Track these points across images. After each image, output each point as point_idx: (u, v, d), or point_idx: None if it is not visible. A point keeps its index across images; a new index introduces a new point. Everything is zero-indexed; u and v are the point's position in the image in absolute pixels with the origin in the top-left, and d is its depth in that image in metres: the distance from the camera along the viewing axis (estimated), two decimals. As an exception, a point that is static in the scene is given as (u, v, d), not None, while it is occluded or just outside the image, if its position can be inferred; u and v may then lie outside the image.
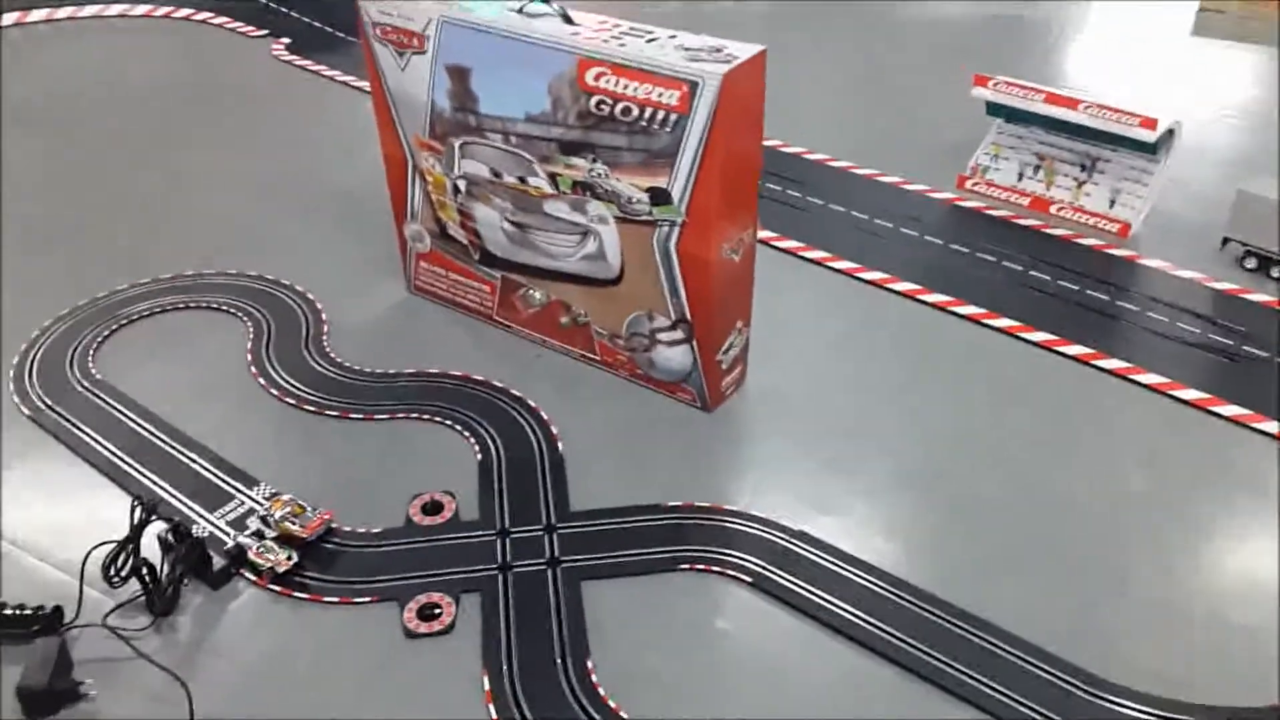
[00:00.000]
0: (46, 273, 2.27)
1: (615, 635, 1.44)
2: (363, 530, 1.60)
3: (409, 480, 1.70)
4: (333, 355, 2.01)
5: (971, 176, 2.69)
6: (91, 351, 2.00)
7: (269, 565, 1.51)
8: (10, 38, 3.62)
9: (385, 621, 1.45)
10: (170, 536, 1.49)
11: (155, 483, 1.68)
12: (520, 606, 1.47)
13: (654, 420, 1.87)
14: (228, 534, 1.58)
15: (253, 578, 1.52)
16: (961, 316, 2.17)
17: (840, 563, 1.56)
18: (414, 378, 1.95)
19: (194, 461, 1.73)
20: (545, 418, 1.85)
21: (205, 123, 3.03)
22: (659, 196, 1.67)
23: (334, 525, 1.59)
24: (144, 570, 1.44)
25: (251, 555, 1.52)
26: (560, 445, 1.79)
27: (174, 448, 1.76)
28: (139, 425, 1.81)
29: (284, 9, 3.90)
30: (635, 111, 1.60)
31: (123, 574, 1.46)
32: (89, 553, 1.46)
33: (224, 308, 2.15)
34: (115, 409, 1.84)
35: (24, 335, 2.03)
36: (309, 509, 1.58)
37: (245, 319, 2.11)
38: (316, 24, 3.78)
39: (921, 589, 1.50)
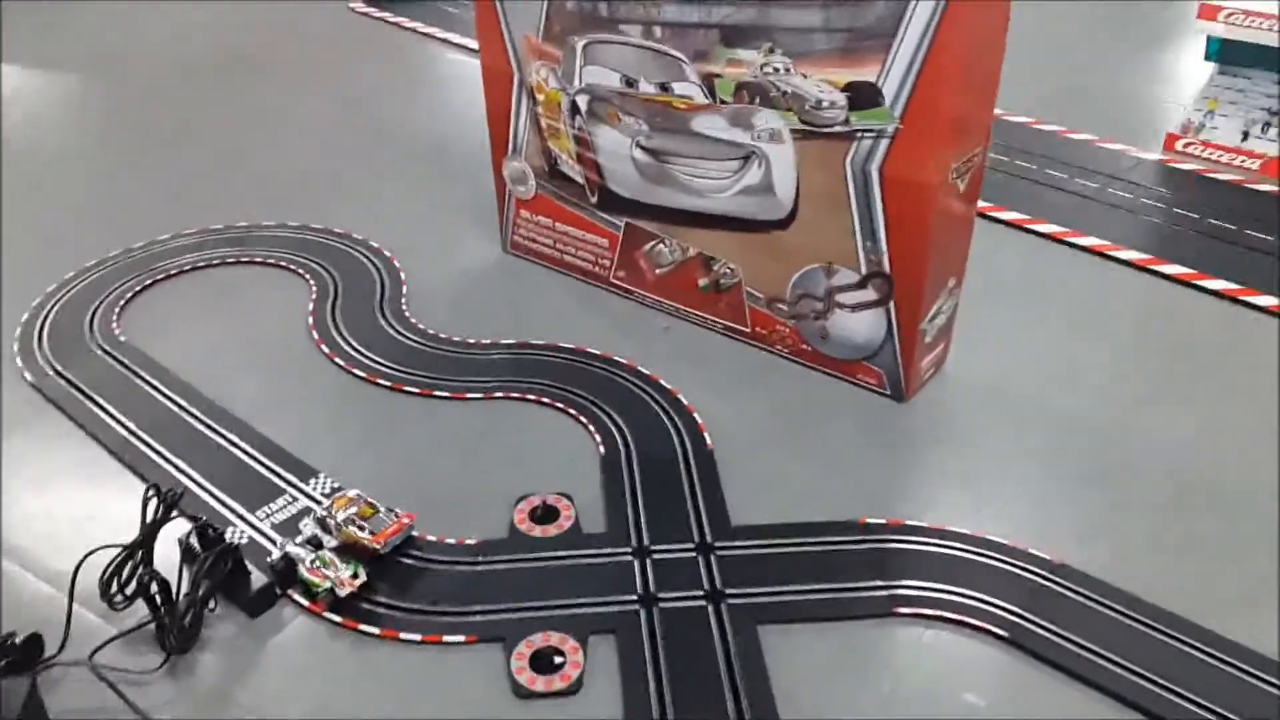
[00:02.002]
0: (77, 219, 1.90)
1: (814, 706, 0.98)
2: (453, 542, 1.18)
3: (512, 477, 1.28)
4: (413, 320, 1.59)
5: (1183, 135, 2.19)
6: (117, 310, 1.61)
7: (327, 585, 1.08)
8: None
9: (487, 671, 1.03)
10: (194, 541, 1.08)
11: (180, 470, 1.28)
12: (673, 657, 1.03)
13: (829, 410, 1.42)
14: (273, 541, 1.16)
15: (304, 602, 1.09)
16: (1209, 292, 1.68)
17: (1124, 609, 1.09)
18: (514, 349, 1.53)
19: (233, 445, 1.32)
20: (685, 404, 1.41)
21: (278, 75, 2.65)
22: (863, 96, 1.22)
23: (415, 533, 1.16)
24: (155, 588, 1.02)
25: (304, 571, 1.10)
26: (708, 439, 1.34)
27: (208, 425, 1.36)
28: (166, 397, 1.41)
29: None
30: (840, -27, 1.16)
31: (127, 592, 1.05)
32: (82, 561, 1.05)
33: (282, 263, 1.75)
34: (139, 376, 1.45)
35: (38, 289, 1.65)
36: (382, 510, 1.15)
37: (307, 276, 1.71)
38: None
39: (1243, 646, 1.03)
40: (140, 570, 1.06)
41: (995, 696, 1.01)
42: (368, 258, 1.78)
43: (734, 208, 1.43)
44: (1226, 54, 2.15)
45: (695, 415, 1.39)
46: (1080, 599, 1.12)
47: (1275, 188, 2.04)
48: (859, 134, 1.25)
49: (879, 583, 1.13)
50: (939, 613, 1.09)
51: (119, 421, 1.36)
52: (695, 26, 1.33)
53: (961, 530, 1.20)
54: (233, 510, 1.22)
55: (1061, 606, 1.11)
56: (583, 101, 1.51)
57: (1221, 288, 1.69)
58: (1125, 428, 1.39)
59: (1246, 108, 2.19)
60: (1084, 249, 1.81)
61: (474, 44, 2.81)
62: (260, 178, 2.08)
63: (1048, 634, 1.07)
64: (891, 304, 1.35)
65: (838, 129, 1.27)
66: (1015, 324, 1.61)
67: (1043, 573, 1.15)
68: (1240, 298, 1.67)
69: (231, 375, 1.46)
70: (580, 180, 1.60)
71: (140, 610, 1.05)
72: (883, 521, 1.21)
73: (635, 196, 1.54)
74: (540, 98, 1.57)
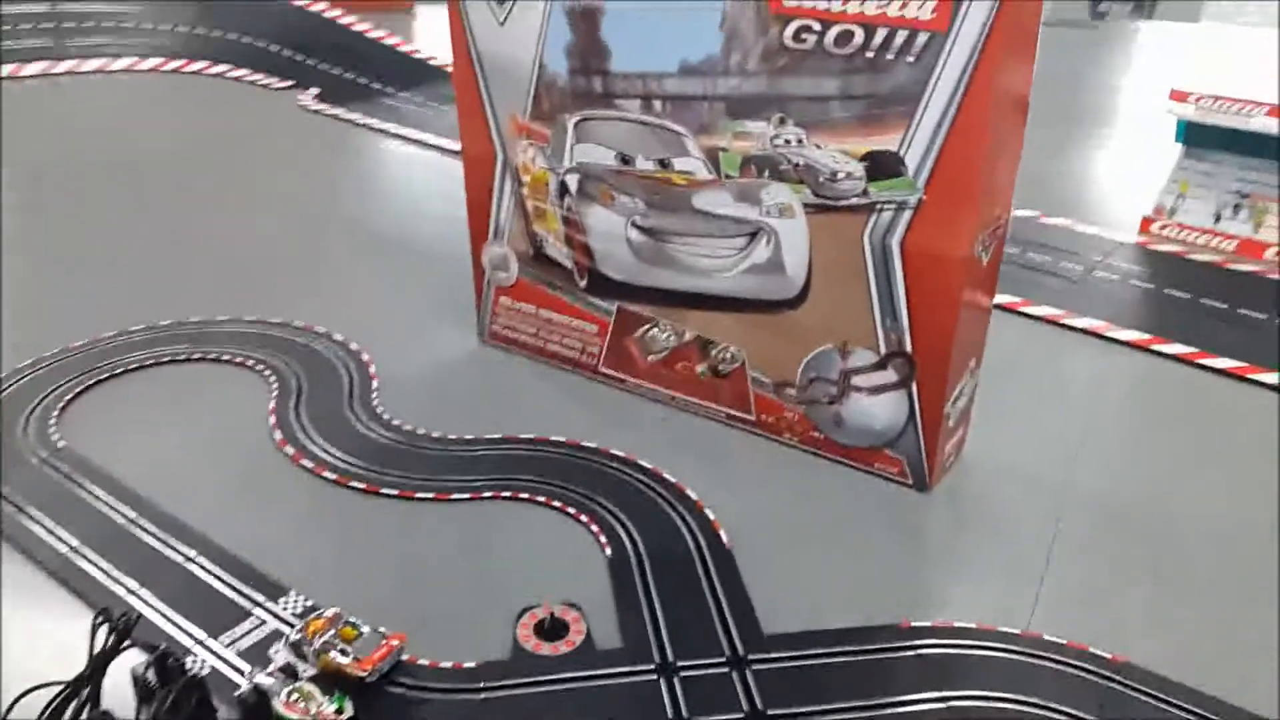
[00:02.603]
0: (10, 315, 1.73)
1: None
2: (449, 665, 1.03)
3: (511, 587, 1.14)
4: (386, 416, 1.46)
5: (1157, 218, 2.20)
6: (55, 413, 1.44)
7: (306, 723, 0.92)
8: (11, 92, 3.18)
9: (501, 823, 0.87)
10: (151, 674, 0.91)
11: (130, 591, 1.11)
12: (718, 793, 0.89)
13: (849, 502, 1.31)
14: (240, 671, 1.00)
15: (279, 745, 0.93)
16: (1213, 370, 1.64)
17: (1195, 707, 0.99)
18: (499, 444, 1.40)
19: (190, 561, 1.16)
20: (694, 498, 1.29)
21: (230, 170, 2.54)
22: (884, 165, 1.16)
23: (405, 657, 1.02)
24: (101, 734, 0.86)
25: (280, 706, 0.94)
26: (724, 536, 1.22)
27: (161, 540, 1.20)
28: (112, 509, 1.24)
29: (309, 60, 3.50)
30: (859, 37, 1.10)
31: (67, 740, 0.88)
32: (14, 703, 0.88)
33: (238, 360, 1.60)
34: (80, 487, 1.28)
35: (-35, 390, 1.48)
36: (366, 630, 1.00)
37: (267, 373, 1.56)
38: (345, 75, 3.38)
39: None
40: (87, 711, 0.89)
41: (1085, 823, 0.89)
42: (332, 352, 1.65)
43: (739, 287, 1.34)
44: (1194, 137, 2.16)
45: (707, 511, 1.27)
46: (1149, 700, 1.01)
47: (1255, 268, 2.03)
48: (879, 206, 1.18)
49: (935, 694, 1.00)
50: (1006, 726, 0.97)
51: (57, 537, 1.19)
52: (699, 99, 1.26)
53: (1013, 631, 1.09)
54: (192, 636, 1.06)
55: (1132, 710, 0.99)
56: (573, 181, 1.43)
57: (1226, 365, 1.64)
58: (1159, 510, 1.31)
59: (1216, 190, 2.20)
60: (1081, 330, 1.76)
61: (422, 136, 2.77)
62: (212, 272, 1.95)
63: (1127, 745, 0.96)
64: (914, 386, 1.26)
65: (855, 201, 1.20)
66: (1026, 407, 1.54)
67: (1106, 673, 1.04)
68: (1246, 375, 1.62)
69: (186, 482, 1.31)
70: (568, 264, 1.51)
71: (84, 762, 0.88)
72: (929, 624, 1.10)
73: (629, 279, 1.45)
74: (526, 178, 1.48)
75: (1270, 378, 1.61)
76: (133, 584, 1.12)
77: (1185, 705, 1.00)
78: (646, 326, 1.49)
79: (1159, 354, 1.69)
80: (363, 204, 2.38)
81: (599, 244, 1.45)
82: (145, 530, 1.21)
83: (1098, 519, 1.29)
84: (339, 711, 0.94)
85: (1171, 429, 1.51)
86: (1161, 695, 1.02)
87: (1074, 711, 0.99)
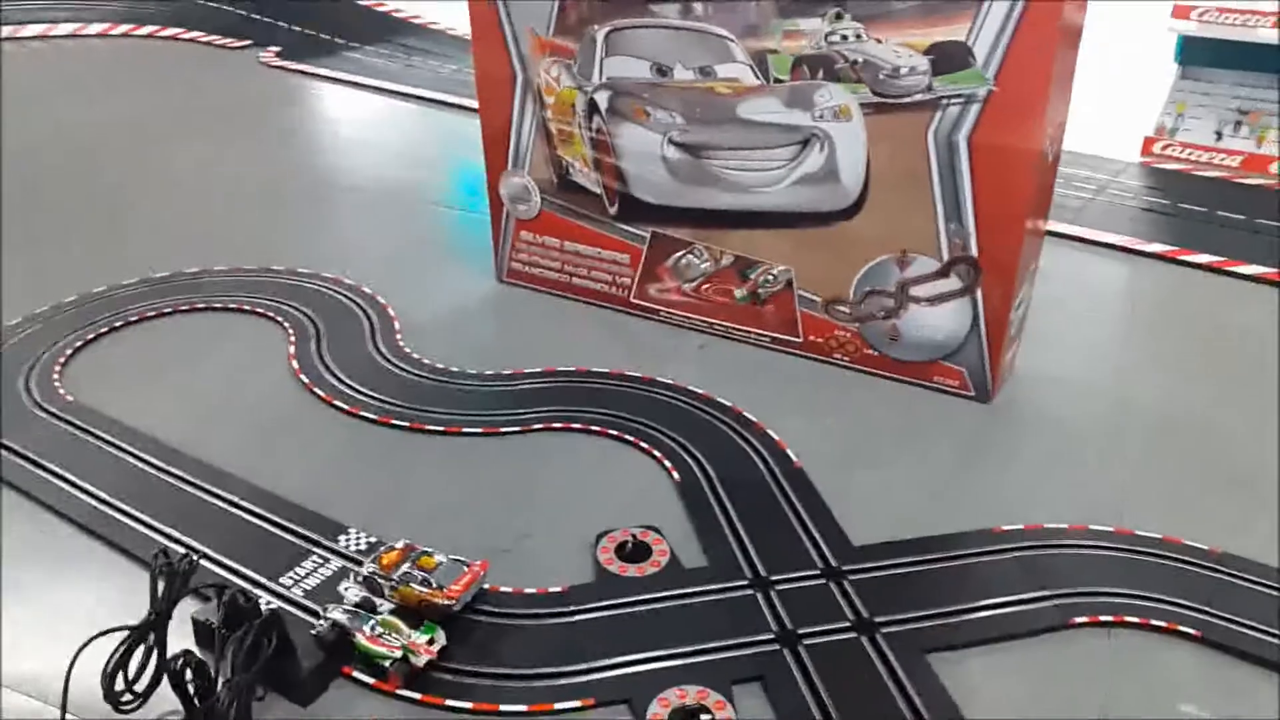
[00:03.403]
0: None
1: (1023, 743, 0.82)
2: (533, 591, 0.97)
3: (580, 514, 1.08)
4: (415, 356, 1.38)
5: (1159, 138, 2.19)
6: (56, 369, 1.34)
7: (397, 655, 0.86)
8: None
9: (620, 745, 0.82)
10: (223, 616, 0.84)
11: (171, 539, 1.03)
12: (840, 702, 0.85)
13: (910, 417, 1.28)
14: (310, 611, 0.93)
15: (370, 679, 0.86)
16: (1244, 276, 1.63)
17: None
18: (541, 378, 1.34)
19: (234, 505, 1.08)
20: (753, 420, 1.24)
21: (202, 130, 2.42)
22: (951, 58, 1.11)
23: (484, 586, 0.95)
24: (185, 672, 0.78)
25: (363, 641, 0.87)
26: (794, 456, 1.17)
27: (197, 486, 1.11)
28: (137, 458, 1.16)
29: (266, 18, 3.35)
30: (926, -82, 1.05)
31: (138, 688, 0.81)
32: (79, 651, 0.80)
33: (245, 307, 1.51)
34: (98, 438, 1.19)
35: (-46, 348, 1.38)
36: (445, 559, 0.94)
37: (279, 319, 1.48)
38: (305, 31, 3.25)
39: None
40: (154, 656, 0.82)
41: (1211, 702, 0.86)
42: (345, 296, 1.56)
43: (789, 201, 1.29)
44: (1192, 54, 2.15)
45: (770, 432, 1.22)
46: (1258, 588, 0.99)
47: (1263, 181, 2.04)
48: (945, 101, 1.13)
49: (1041, 593, 0.97)
50: (1119, 619, 0.94)
51: (85, 491, 1.10)
52: (744, -1, 1.20)
53: (1106, 528, 1.06)
54: (250, 580, 0.98)
55: (1241, 597, 0.97)
56: (603, 98, 1.36)
57: (1256, 271, 1.63)
58: (1218, 414, 1.29)
59: (1215, 109, 2.20)
60: (1106, 245, 1.74)
61: (392, 85, 2.67)
62: (202, 224, 1.85)
63: (1241, 628, 0.93)
64: (978, 292, 1.22)
65: (919, 98, 1.15)
66: (1064, 321, 1.51)
67: (1208, 564, 1.01)
68: (1277, 280, 1.62)
69: (212, 429, 1.22)
70: (597, 190, 1.44)
71: (159, 709, 0.81)
72: (1020, 527, 1.06)
73: (665, 201, 1.39)
74: (550, 100, 1.41)
75: (1295, 277, 1.60)
76: (175, 532, 1.04)
77: (1290, 590, 0.98)
78: (681, 253, 1.43)
79: (1187, 264, 1.68)
80: (344, 155, 2.28)
81: (632, 165, 1.38)
82: (180, 478, 1.13)
83: (1160, 425, 1.27)
84: (431, 642, 0.88)
85: (1212, 334, 1.50)
86: (1267, 582, 0.99)
87: (1180, 599, 0.96)
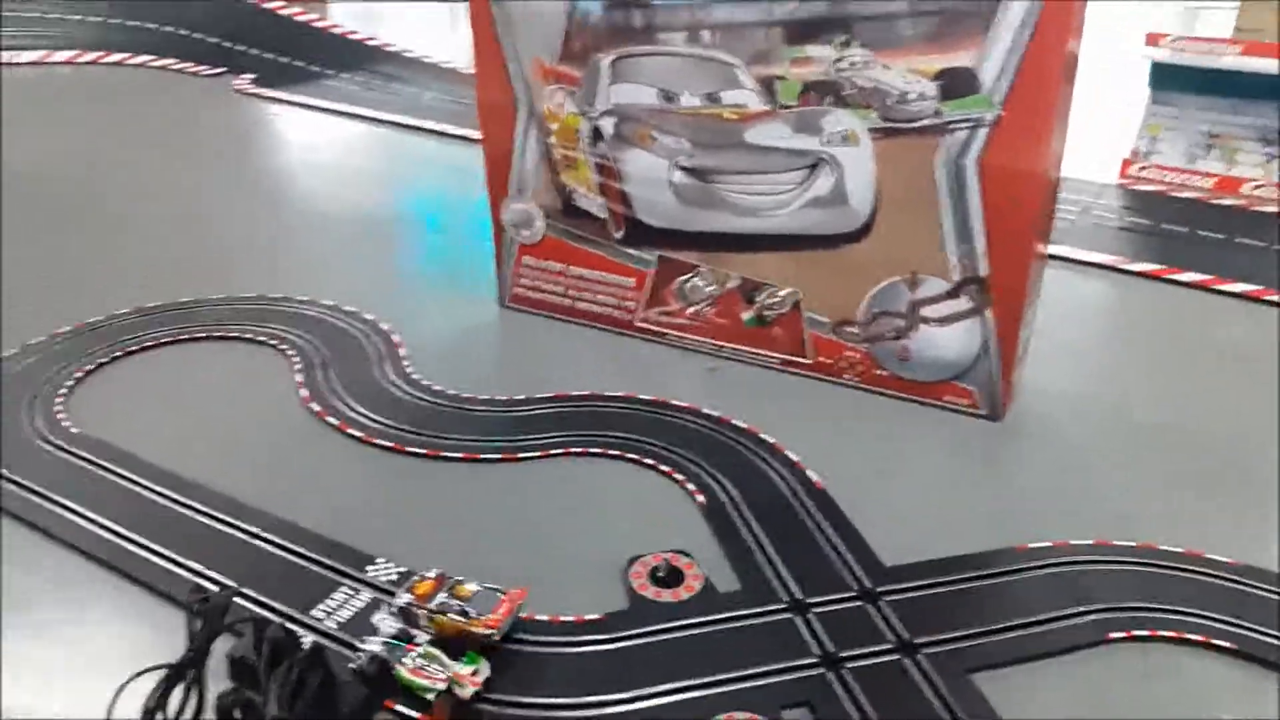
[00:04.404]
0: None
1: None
2: (571, 619, 0.96)
3: (607, 540, 1.08)
4: (425, 382, 1.37)
5: (1135, 161, 2.24)
6: (58, 400, 1.31)
7: (441, 687, 0.85)
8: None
9: (676, 772, 0.81)
10: (264, 652, 0.82)
11: (198, 574, 1.01)
12: (888, 724, 0.85)
13: (925, 436, 1.29)
14: (346, 644, 0.92)
15: (413, 713, 0.85)
16: (1231, 294, 1.67)
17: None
18: (553, 403, 1.33)
19: (256, 537, 1.07)
20: (771, 441, 1.25)
21: (183, 161, 2.39)
22: (958, 83, 1.13)
23: (521, 615, 0.95)
24: (234, 710, 0.77)
25: (405, 673, 0.86)
26: (815, 477, 1.18)
27: (219, 519, 1.09)
28: (154, 491, 1.14)
29: (237, 46, 3.33)
30: (938, -52, 1.07)
31: (179, 728, 0.79)
32: (119, 692, 0.79)
33: (246, 335, 1.50)
34: (110, 472, 1.17)
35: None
36: (479, 588, 0.93)
37: (282, 346, 1.46)
38: (280, 59, 3.23)
39: None
40: (195, 693, 0.80)
41: (1252, 714, 0.88)
42: (347, 323, 1.55)
43: (797, 224, 1.31)
44: (1162, 80, 2.21)
45: (789, 454, 1.22)
46: (1276, 596, 1.01)
47: (1237, 202, 2.09)
48: (952, 126, 1.16)
49: (1075, 609, 0.98)
50: (1154, 633, 0.96)
51: (100, 525, 1.08)
52: (753, 26, 1.21)
53: (1129, 543, 1.08)
54: (280, 613, 0.96)
55: (1267, 609, 0.99)
56: (608, 124, 1.37)
57: (1242, 289, 1.68)
58: (1220, 427, 1.32)
59: (1186, 133, 2.26)
60: (1095, 265, 1.78)
61: (371, 113, 2.66)
62: (191, 253, 1.82)
63: (1272, 639, 0.95)
64: (988, 312, 1.24)
65: (927, 122, 1.17)
66: (1061, 338, 1.53)
67: (1231, 577, 1.03)
68: (1262, 297, 1.66)
69: (226, 459, 1.21)
70: (602, 215, 1.44)
71: (201, 751, 0.79)
72: (1046, 544, 1.08)
73: (671, 225, 1.40)
74: (554, 126, 1.41)
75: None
76: (200, 567, 1.02)
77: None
78: (686, 276, 1.44)
79: (1175, 282, 1.72)
80: (327, 182, 2.26)
81: (638, 190, 1.39)
82: (197, 510, 1.11)
83: (1168, 439, 1.29)
84: (475, 673, 0.87)
85: (1206, 348, 1.53)
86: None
87: (1209, 612, 0.98)
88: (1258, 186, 2.11)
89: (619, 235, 1.44)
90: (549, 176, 1.46)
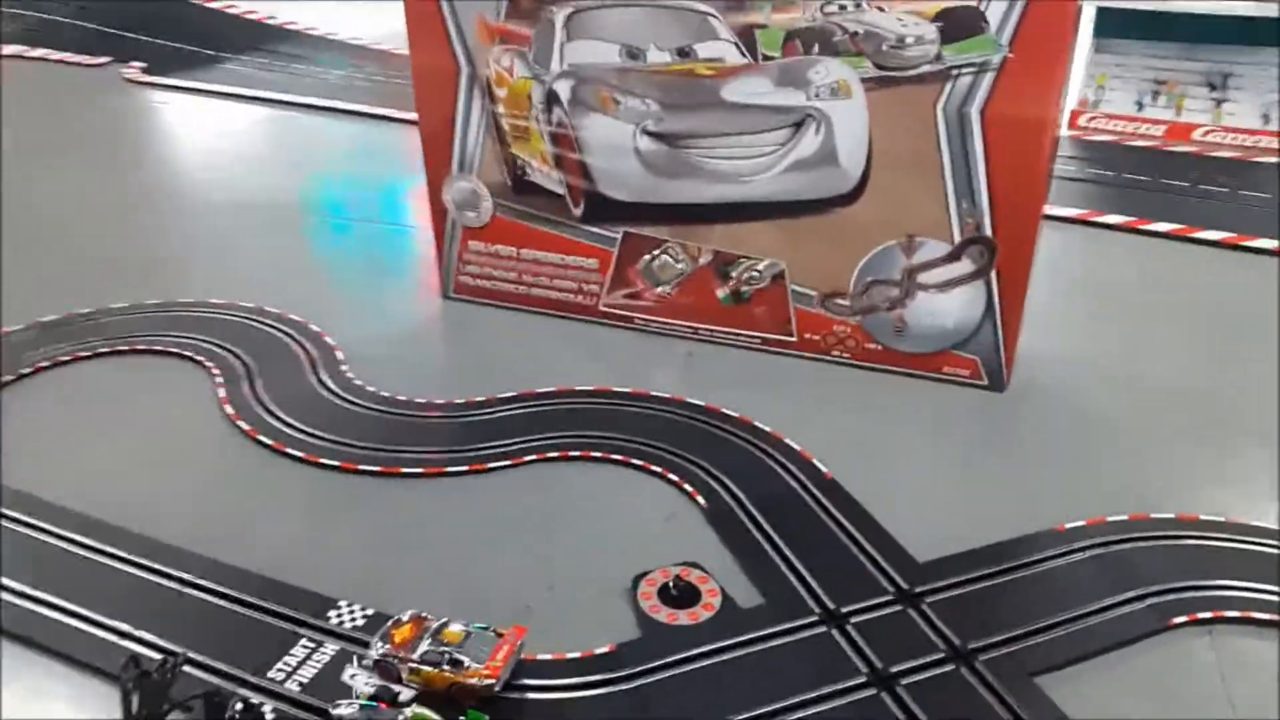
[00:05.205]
0: None
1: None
2: (577, 655, 0.83)
3: (605, 555, 0.95)
4: (369, 389, 1.22)
5: (1084, 111, 2.19)
6: (-60, 435, 1.12)
7: (441, 759, 0.71)
8: None
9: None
10: (221, 734, 0.67)
11: (128, 635, 0.85)
12: (957, 749, 0.74)
13: (929, 413, 1.20)
14: (319, 709, 0.77)
15: (409, 794, 0.71)
16: (1208, 243, 1.62)
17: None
18: (517, 402, 1.19)
19: (194, 587, 0.90)
20: (768, 430, 1.13)
21: (67, 158, 2.15)
22: (961, 24, 1.03)
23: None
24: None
25: (395, 745, 0.72)
26: (822, 467, 1.06)
27: (147, 569, 0.93)
28: (72, 542, 0.96)
29: (121, 32, 3.06)
30: None
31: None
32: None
33: (157, 349, 1.32)
34: (20, 521, 0.99)
35: None
36: (465, 628, 0.79)
37: (199, 357, 1.29)
38: (171, 44, 2.98)
39: None
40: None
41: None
42: (272, 326, 1.38)
43: (780, 189, 1.19)
44: (1105, 26, 2.16)
45: (790, 442, 1.11)
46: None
47: (1190, 149, 2.06)
48: (955, 72, 1.05)
49: (1130, 595, 0.89)
50: (1217, 614, 0.87)
51: (8, 590, 0.90)
52: (726, -32, 1.08)
53: (1168, 515, 0.99)
54: (228, 678, 0.81)
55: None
56: (564, 88, 1.22)
57: (1219, 237, 1.62)
58: (1222, 382, 1.25)
59: (1132, 80, 2.21)
60: (1066, 219, 1.70)
61: (274, 95, 2.46)
62: (89, 259, 1.62)
63: (1339, 614, 0.87)
64: (992, 274, 1.14)
65: (926, 69, 1.06)
66: (1046, 298, 1.43)
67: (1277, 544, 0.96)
68: (1240, 244, 1.61)
69: (152, 497, 1.03)
70: (559, 189, 1.30)
71: None
72: (1082, 524, 0.98)
73: (638, 198, 1.27)
74: (502, 93, 1.27)
75: (1267, 243, 1.60)
76: (125, 627, 0.86)
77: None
78: (654, 253, 1.31)
79: (1149, 233, 1.66)
80: (232, 172, 2.06)
81: (600, 160, 1.25)
82: (116, 558, 0.94)
83: (1180, 401, 1.22)
84: (480, 735, 0.73)
85: (1191, 301, 1.47)
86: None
87: (1268, 585, 0.90)
88: (1208, 132, 2.07)
89: (578, 212, 1.31)
90: (496, 150, 1.31)
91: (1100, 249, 1.64)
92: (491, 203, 1.35)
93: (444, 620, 0.81)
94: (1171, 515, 0.99)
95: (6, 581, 0.90)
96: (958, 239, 1.13)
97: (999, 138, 1.06)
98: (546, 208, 1.32)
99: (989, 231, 1.12)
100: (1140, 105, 2.17)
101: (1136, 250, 1.63)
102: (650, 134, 1.20)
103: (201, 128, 2.37)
